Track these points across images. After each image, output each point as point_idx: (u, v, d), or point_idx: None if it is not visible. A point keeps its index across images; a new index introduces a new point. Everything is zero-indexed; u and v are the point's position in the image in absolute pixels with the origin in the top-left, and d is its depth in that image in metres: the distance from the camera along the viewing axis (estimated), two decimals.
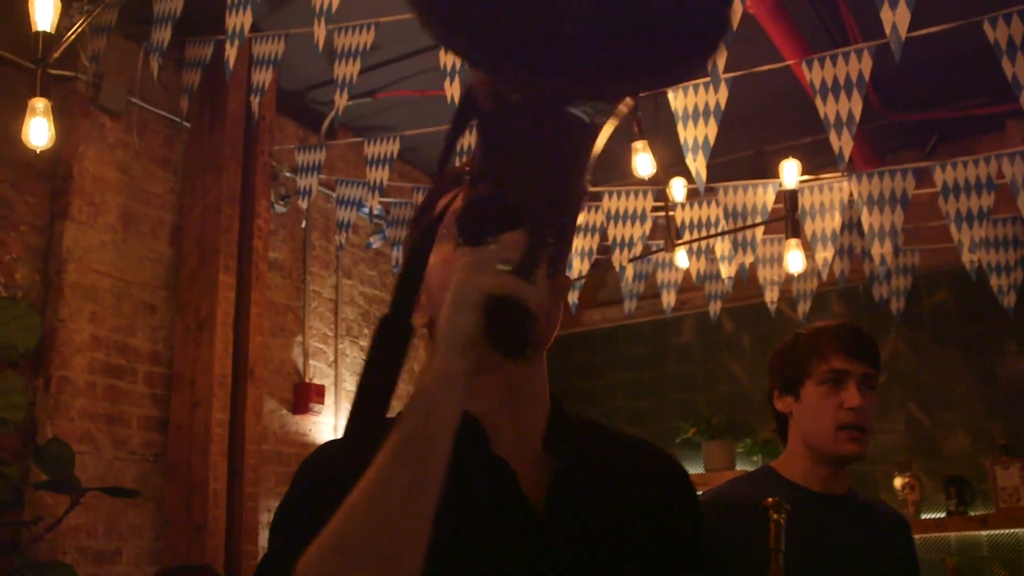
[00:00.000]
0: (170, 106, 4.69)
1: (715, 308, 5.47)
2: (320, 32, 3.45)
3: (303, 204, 4.89)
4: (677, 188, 4.56)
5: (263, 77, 4.03)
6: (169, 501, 4.33)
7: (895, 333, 6.00)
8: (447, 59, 3.49)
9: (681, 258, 4.86)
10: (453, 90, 3.51)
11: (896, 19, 2.64)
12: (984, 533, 5.49)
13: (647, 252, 4.94)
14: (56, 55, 3.77)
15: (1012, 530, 5.47)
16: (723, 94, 3.52)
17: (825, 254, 4.40)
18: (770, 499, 1.91)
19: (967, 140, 5.74)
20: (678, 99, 3.68)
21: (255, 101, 4.08)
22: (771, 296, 5.13)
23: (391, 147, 4.57)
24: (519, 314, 0.90)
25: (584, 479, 1.23)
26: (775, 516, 1.89)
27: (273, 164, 5.01)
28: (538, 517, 1.17)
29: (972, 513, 5.49)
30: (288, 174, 5.24)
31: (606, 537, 1.21)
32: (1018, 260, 4.68)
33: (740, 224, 4.36)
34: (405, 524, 0.93)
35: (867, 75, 3.27)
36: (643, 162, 3.89)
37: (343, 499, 0.96)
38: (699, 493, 1.41)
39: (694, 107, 3.61)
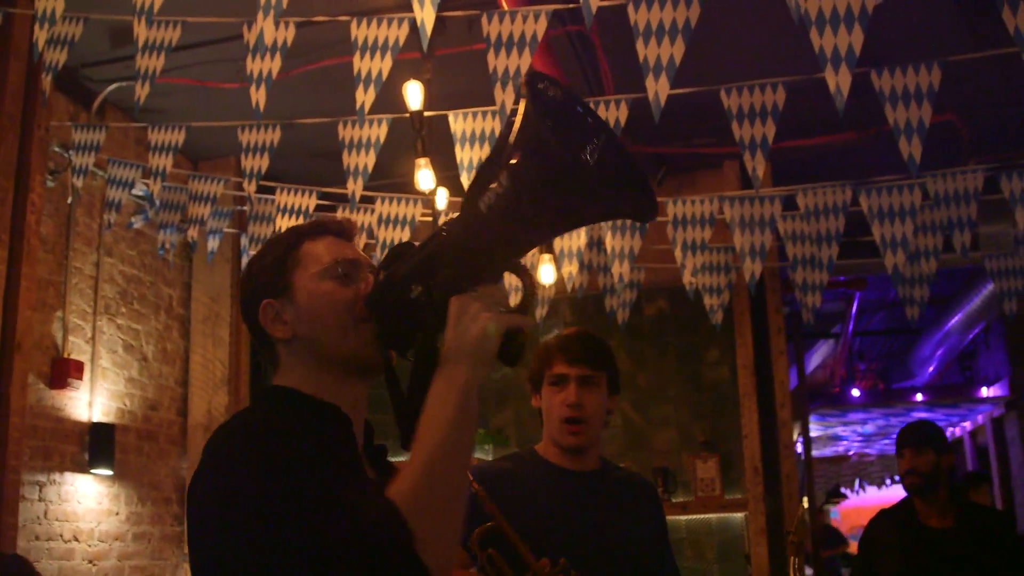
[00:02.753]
0: None
1: None
2: (140, 29, 3.61)
3: (78, 182, 4.95)
4: (440, 198, 4.98)
5: (57, 57, 4.10)
6: None
7: (617, 340, 6.71)
8: (254, 66, 3.74)
9: None
10: (259, 96, 3.76)
11: (659, 88, 3.18)
12: (684, 518, 6.30)
13: None
14: None
15: (706, 515, 6.32)
16: (498, 124, 3.99)
17: (571, 268, 4.97)
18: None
19: (691, 174, 6.55)
20: (457, 123, 4.13)
21: (47, 80, 4.15)
22: (513, 300, 5.65)
23: (176, 136, 4.72)
24: (522, 339, 1.47)
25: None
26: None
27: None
28: (378, 485, 1.56)
29: (675, 500, 6.28)
30: (57, 149, 5.25)
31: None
32: (727, 283, 5.44)
33: None
34: (464, 473, 1.43)
35: (623, 122, 3.83)
36: (425, 177, 4.29)
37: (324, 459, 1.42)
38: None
39: (472, 131, 4.06)
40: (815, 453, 13.87)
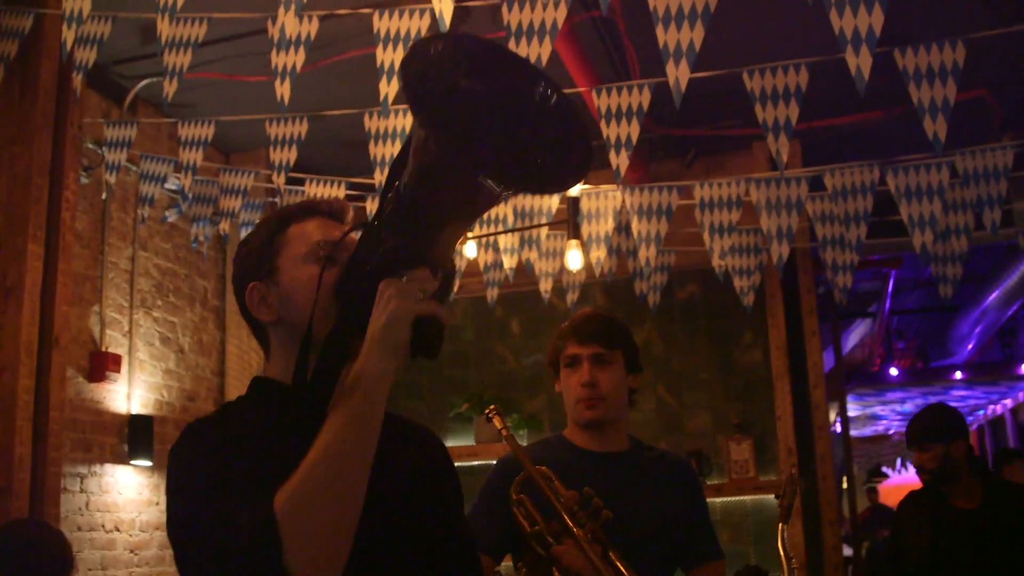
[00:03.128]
0: None
1: (492, 295, 5.93)
2: (163, 26, 3.66)
3: (111, 179, 5.02)
4: None
5: (87, 56, 4.16)
6: None
7: (650, 324, 6.72)
8: (278, 60, 3.78)
9: (470, 249, 5.33)
10: (283, 89, 3.80)
11: (679, 74, 3.18)
12: (719, 500, 6.30)
13: None
14: None
15: (740, 497, 6.31)
16: None
17: (598, 253, 4.98)
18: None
19: (720, 155, 6.52)
20: None
21: (77, 78, 4.21)
22: (545, 286, 5.68)
23: (206, 131, 4.78)
24: (438, 329, 1.38)
25: (387, 440, 1.57)
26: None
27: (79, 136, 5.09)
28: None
29: (709, 483, 6.28)
30: (90, 145, 5.33)
31: (412, 475, 1.66)
32: (758, 265, 5.42)
33: (527, 223, 4.87)
34: (360, 468, 1.37)
35: (646, 106, 3.83)
36: None
37: (251, 449, 1.43)
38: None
39: None
40: (854, 433, 13.82)
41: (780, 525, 2.89)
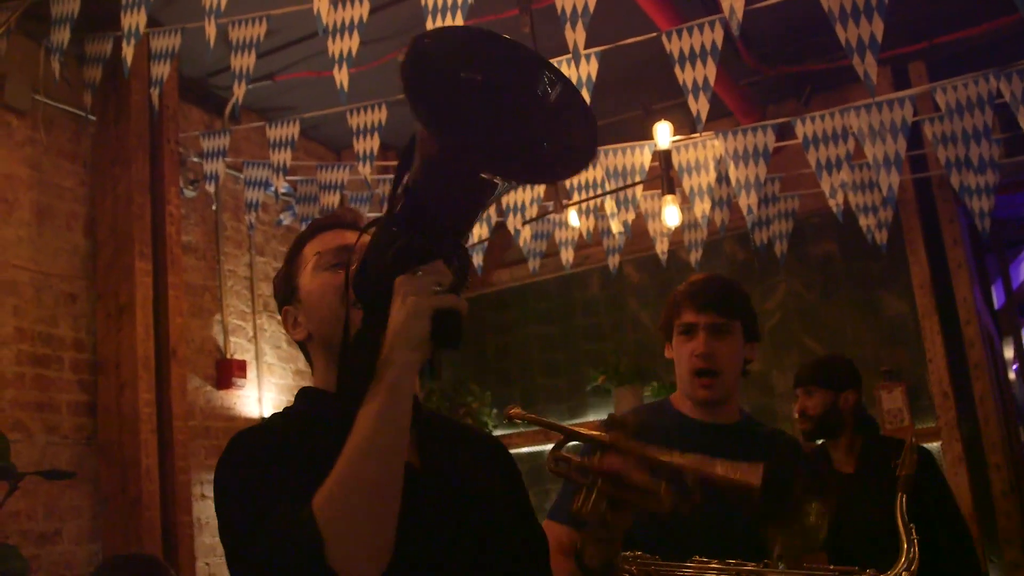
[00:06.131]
0: (74, 101, 4.85)
1: (613, 262, 5.76)
2: (211, 30, 3.65)
3: (211, 188, 5.09)
4: None
5: (162, 70, 4.22)
6: (104, 480, 4.56)
7: (786, 274, 6.40)
8: (334, 48, 3.71)
9: (573, 217, 5.17)
10: (342, 76, 3.74)
11: (733, 2, 2.94)
12: None
13: (542, 213, 5.23)
14: None
15: None
16: (593, 67, 3.81)
17: (703, 206, 4.74)
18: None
19: (838, 89, 6.12)
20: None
21: (155, 93, 4.27)
22: (661, 247, 5.46)
23: (292, 130, 4.78)
24: (456, 320, 1.37)
25: (441, 444, 1.66)
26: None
27: (180, 150, 5.20)
28: (417, 472, 1.56)
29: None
30: (195, 159, 5.42)
31: (469, 484, 1.64)
32: (884, 200, 5.05)
33: (622, 184, 4.67)
34: (393, 464, 1.37)
35: (720, 44, 3.58)
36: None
37: (293, 456, 1.47)
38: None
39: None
40: None
41: (900, 495, 2.65)
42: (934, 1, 5.01)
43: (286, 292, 1.73)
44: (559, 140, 1.38)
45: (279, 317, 5.45)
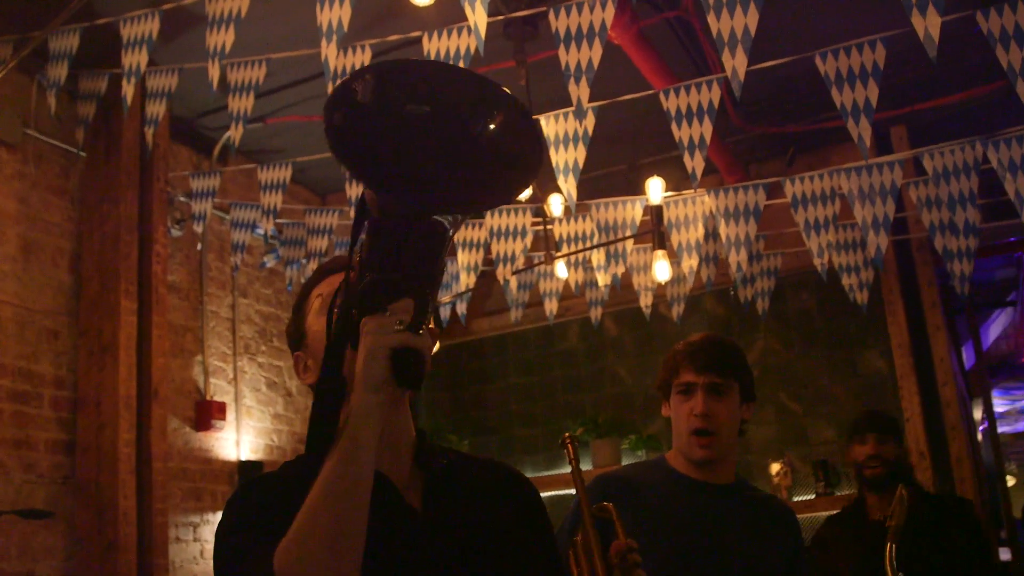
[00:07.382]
0: (65, 137, 4.83)
1: (596, 314, 5.80)
2: (214, 71, 3.66)
3: (198, 228, 5.07)
4: (555, 204, 4.88)
5: (157, 109, 4.21)
6: (80, 521, 4.48)
7: (764, 331, 6.45)
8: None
9: (560, 269, 5.19)
10: None
11: (736, 64, 2.99)
12: None
13: (529, 264, 5.26)
14: None
15: None
16: (590, 121, 3.86)
17: (691, 262, 4.78)
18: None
19: (821, 150, 6.23)
20: (549, 126, 4.00)
21: (149, 132, 4.26)
22: (645, 301, 5.49)
23: (283, 173, 4.79)
24: (416, 358, 1.33)
25: (451, 485, 1.61)
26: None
27: (168, 190, 5.18)
28: (418, 516, 1.54)
29: (838, 493, 5.94)
30: (183, 198, 5.41)
31: (475, 527, 1.59)
32: (864, 261, 5.12)
33: (612, 237, 4.71)
34: (351, 513, 1.32)
35: (716, 104, 3.63)
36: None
37: (285, 507, 1.40)
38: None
39: (564, 133, 3.94)
40: (1006, 429, 13.06)
41: (888, 545, 2.68)
42: (915, 68, 5.12)
43: (296, 337, 1.73)
44: (505, 156, 1.35)
45: (259, 360, 5.44)
